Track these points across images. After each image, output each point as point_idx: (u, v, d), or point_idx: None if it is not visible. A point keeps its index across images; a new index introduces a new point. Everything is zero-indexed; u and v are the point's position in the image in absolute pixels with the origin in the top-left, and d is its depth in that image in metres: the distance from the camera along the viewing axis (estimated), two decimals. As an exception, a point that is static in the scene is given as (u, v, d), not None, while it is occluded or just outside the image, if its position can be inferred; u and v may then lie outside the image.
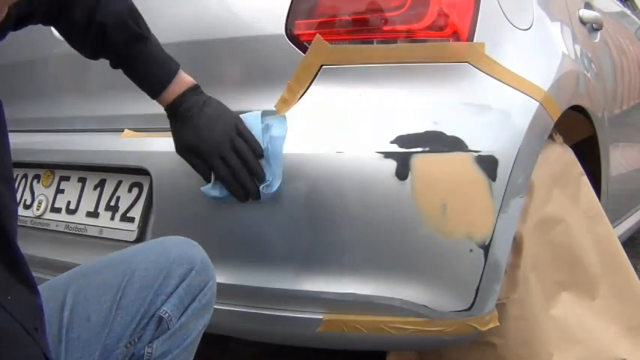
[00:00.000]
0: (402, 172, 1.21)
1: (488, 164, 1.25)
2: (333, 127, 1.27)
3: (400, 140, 1.22)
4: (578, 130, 1.79)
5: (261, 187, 1.23)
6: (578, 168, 1.60)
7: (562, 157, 1.56)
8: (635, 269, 1.64)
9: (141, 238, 1.38)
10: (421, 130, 1.24)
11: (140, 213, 1.40)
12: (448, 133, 1.24)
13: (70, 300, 1.01)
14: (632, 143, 2.41)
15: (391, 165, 1.21)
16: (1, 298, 0.76)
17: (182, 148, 1.26)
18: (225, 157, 1.23)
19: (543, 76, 1.44)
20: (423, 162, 1.22)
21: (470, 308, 1.26)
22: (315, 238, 1.25)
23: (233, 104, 1.31)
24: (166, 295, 1.01)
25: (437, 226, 1.22)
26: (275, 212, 1.26)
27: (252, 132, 1.25)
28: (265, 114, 1.28)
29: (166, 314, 1.01)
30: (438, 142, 1.23)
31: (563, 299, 1.48)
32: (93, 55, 1.27)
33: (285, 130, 1.26)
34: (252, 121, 1.26)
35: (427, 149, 1.23)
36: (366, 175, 1.22)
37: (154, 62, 1.24)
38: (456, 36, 1.31)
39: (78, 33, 1.24)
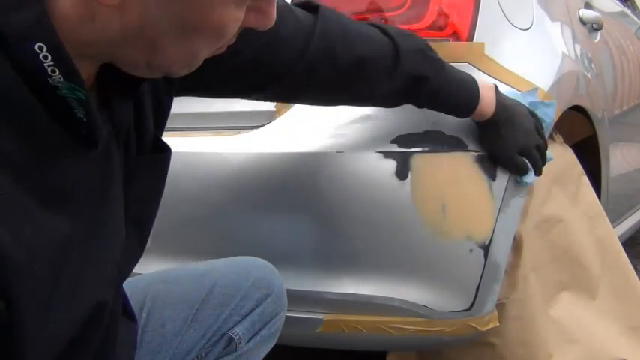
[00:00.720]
0: (402, 172, 1.21)
1: (488, 164, 1.25)
2: (333, 127, 1.27)
3: (400, 140, 1.22)
4: (578, 130, 1.79)
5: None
6: (578, 168, 1.60)
7: (562, 157, 1.56)
8: (635, 269, 1.64)
9: (141, 238, 1.38)
10: (421, 130, 1.24)
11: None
12: (448, 132, 1.24)
13: (149, 302, 1.01)
14: (632, 143, 2.41)
15: (391, 165, 1.21)
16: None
17: (514, 151, 1.25)
18: (538, 145, 1.27)
19: (543, 76, 1.44)
20: (422, 162, 1.22)
21: (470, 308, 1.26)
22: (315, 239, 1.25)
23: (234, 104, 1.31)
24: (240, 317, 1.02)
25: (437, 226, 1.22)
26: (274, 213, 1.26)
27: None
28: (528, 95, 1.31)
29: (237, 336, 1.01)
30: (438, 141, 1.23)
31: (563, 299, 1.48)
32: (397, 102, 1.18)
33: (552, 118, 1.31)
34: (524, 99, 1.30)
35: (427, 149, 1.23)
36: (366, 175, 1.22)
37: (459, 84, 1.17)
38: (455, 36, 1.31)
39: (387, 93, 1.13)
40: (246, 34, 0.92)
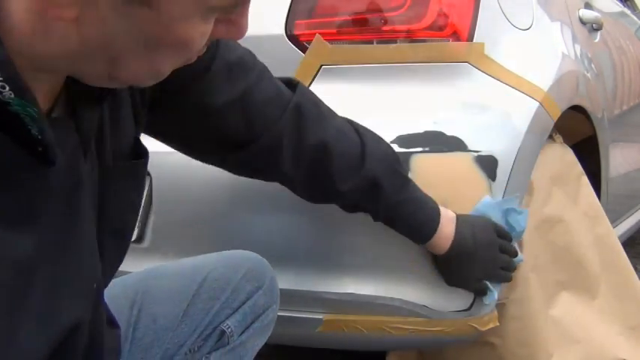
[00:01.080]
0: (402, 172, 1.21)
1: (487, 164, 1.25)
2: (333, 127, 1.27)
3: (400, 140, 1.22)
4: (578, 130, 1.79)
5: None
6: (578, 168, 1.60)
7: (562, 157, 1.56)
8: (635, 269, 1.64)
9: (141, 237, 1.38)
10: (421, 130, 1.24)
11: (140, 213, 1.39)
12: (448, 133, 1.24)
13: (139, 299, 1.01)
14: (632, 143, 2.41)
15: (391, 165, 1.21)
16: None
17: (471, 281, 1.23)
18: (505, 267, 1.24)
19: (543, 77, 1.44)
20: (422, 162, 1.22)
21: (469, 308, 1.26)
22: (315, 239, 1.25)
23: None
24: (232, 310, 1.02)
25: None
26: (275, 213, 1.26)
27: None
28: (505, 203, 1.25)
29: (229, 329, 1.01)
30: (438, 142, 1.23)
31: (563, 299, 1.48)
32: (355, 205, 1.15)
33: (523, 227, 1.25)
34: (492, 211, 1.23)
35: (427, 149, 1.23)
36: (366, 175, 1.22)
37: (420, 206, 1.15)
38: (455, 36, 1.31)
39: (346, 190, 1.10)
40: (217, 87, 0.94)
